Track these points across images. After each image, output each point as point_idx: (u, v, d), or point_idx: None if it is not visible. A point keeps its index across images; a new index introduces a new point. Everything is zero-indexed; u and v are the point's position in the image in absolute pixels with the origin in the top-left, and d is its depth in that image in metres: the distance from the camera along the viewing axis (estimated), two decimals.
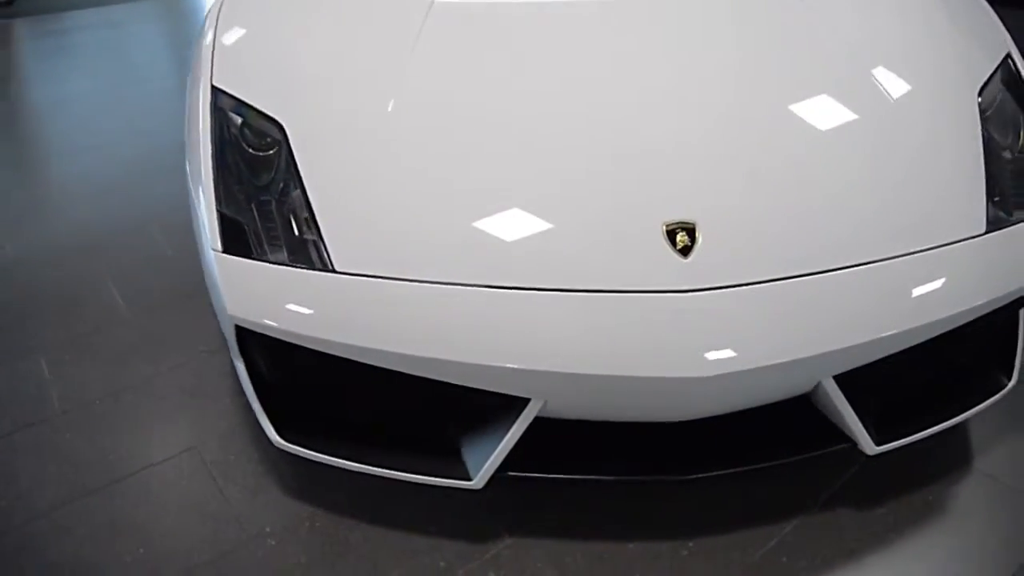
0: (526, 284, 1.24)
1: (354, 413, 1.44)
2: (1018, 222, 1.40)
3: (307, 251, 1.30)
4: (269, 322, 1.28)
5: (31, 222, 2.55)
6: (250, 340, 1.35)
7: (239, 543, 1.43)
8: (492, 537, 1.44)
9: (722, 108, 1.44)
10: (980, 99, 1.52)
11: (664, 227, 1.27)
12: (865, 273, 1.28)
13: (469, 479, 1.33)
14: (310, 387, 1.43)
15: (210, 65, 1.54)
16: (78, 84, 3.81)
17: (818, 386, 1.32)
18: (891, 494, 1.53)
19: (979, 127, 1.48)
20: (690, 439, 1.42)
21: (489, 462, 1.31)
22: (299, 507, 1.51)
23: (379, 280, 1.26)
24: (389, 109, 1.43)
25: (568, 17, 1.61)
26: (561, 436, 1.40)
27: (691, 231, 1.27)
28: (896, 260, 1.30)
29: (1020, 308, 1.56)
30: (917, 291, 1.30)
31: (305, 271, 1.28)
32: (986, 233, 1.37)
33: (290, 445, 1.40)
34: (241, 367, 1.44)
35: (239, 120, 1.45)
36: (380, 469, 1.36)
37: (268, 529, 1.47)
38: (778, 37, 1.59)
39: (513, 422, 1.28)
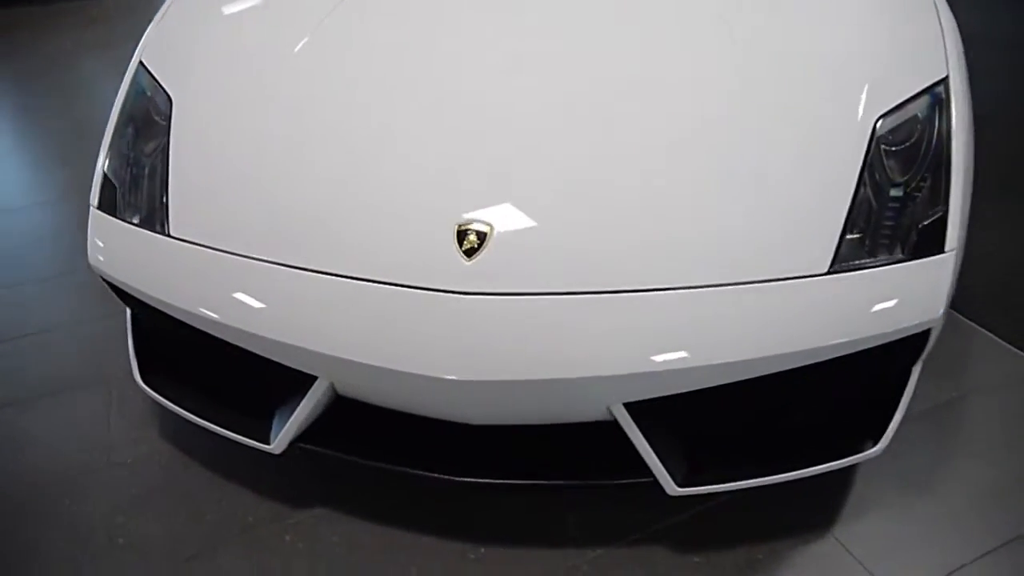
0: (317, 267, 1.28)
1: (200, 367, 1.56)
2: (876, 267, 1.24)
3: (155, 215, 1.44)
4: (115, 275, 1.43)
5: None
6: (118, 289, 1.51)
7: (97, 468, 1.61)
8: (304, 505, 1.51)
9: (570, 111, 1.38)
10: (880, 123, 1.35)
11: (456, 227, 1.27)
12: (661, 299, 1.20)
13: (269, 443, 1.41)
14: (166, 339, 1.57)
15: (144, 41, 1.72)
16: None
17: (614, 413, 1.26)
18: (719, 543, 1.42)
19: (862, 156, 1.32)
20: (505, 445, 1.40)
21: (283, 430, 1.38)
22: (161, 445, 1.66)
23: (198, 247, 1.36)
24: (279, 75, 1.52)
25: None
26: (388, 422, 1.44)
27: (482, 234, 1.26)
28: (701, 290, 1.21)
29: (912, 365, 1.39)
30: (714, 327, 1.20)
31: (144, 232, 1.41)
32: (825, 274, 1.23)
33: (147, 388, 1.56)
34: (128, 311, 1.62)
35: (149, 94, 1.62)
36: (202, 420, 1.47)
37: (128, 460, 1.63)
38: (664, 40, 1.50)
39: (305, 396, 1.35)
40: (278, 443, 1.39)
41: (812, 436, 1.39)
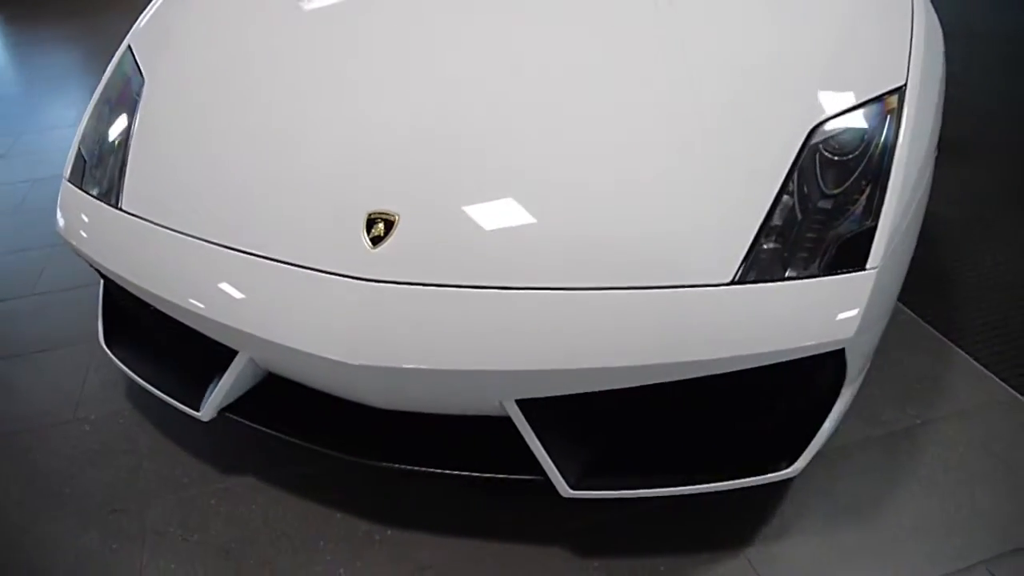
0: (238, 245, 1.33)
1: (154, 334, 1.65)
2: (786, 280, 1.19)
3: (112, 189, 1.53)
4: (76, 243, 1.54)
5: None
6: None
7: (62, 422, 1.74)
8: (237, 472, 1.58)
9: (494, 110, 1.38)
10: (818, 131, 1.29)
11: (367, 215, 1.30)
12: (554, 298, 1.19)
13: (199, 411, 1.48)
14: (127, 305, 1.67)
15: (135, 25, 1.82)
16: None
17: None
18: (622, 551, 1.40)
19: (788, 165, 1.26)
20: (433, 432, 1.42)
21: (210, 399, 1.45)
22: (126, 405, 1.77)
23: (140, 220, 1.44)
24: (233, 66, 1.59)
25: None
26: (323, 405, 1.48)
27: (390, 223, 1.28)
28: (596, 292, 1.19)
29: (836, 386, 1.33)
30: (605, 331, 1.17)
31: (101, 204, 1.51)
32: (728, 284, 1.19)
33: (108, 350, 1.66)
34: (102, 280, 1.73)
35: (128, 75, 1.71)
36: (146, 383, 1.56)
37: (92, 417, 1.75)
38: (596, 33, 1.47)
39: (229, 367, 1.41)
40: (205, 411, 1.46)
41: (726, 451, 1.35)
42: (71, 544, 1.46)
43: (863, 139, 1.31)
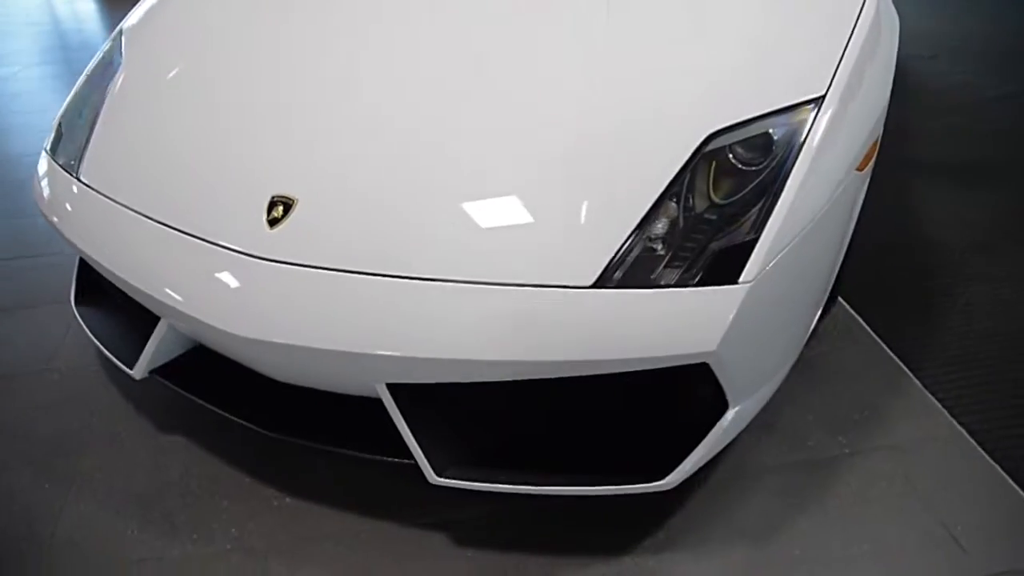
0: (160, 218, 1.42)
1: (112, 295, 1.78)
2: (645, 287, 1.17)
3: (76, 161, 1.66)
4: (44, 210, 1.68)
5: None
6: None
7: (37, 371, 1.90)
8: (171, 431, 1.69)
9: (396, 104, 1.42)
10: (717, 139, 1.26)
11: (270, 197, 1.36)
12: (422, 288, 1.22)
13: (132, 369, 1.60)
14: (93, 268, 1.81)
15: (131, 10, 1.97)
16: None
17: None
18: (499, 545, 1.41)
19: (674, 172, 1.24)
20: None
21: (141, 359, 1.56)
22: (95, 361, 1.92)
23: (89, 190, 1.56)
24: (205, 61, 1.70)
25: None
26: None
27: (288, 206, 1.34)
28: (464, 285, 1.21)
29: (713, 401, 1.30)
30: (466, 323, 1.19)
31: (65, 174, 1.65)
32: (588, 288, 1.18)
33: (75, 310, 1.81)
34: None
35: (111, 58, 1.85)
36: (97, 341, 1.69)
37: (63, 368, 1.91)
38: (509, 26, 1.48)
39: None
40: (136, 370, 1.57)
41: (604, 458, 1.34)
42: (2, 481, 1.60)
43: (769, 149, 1.27)
